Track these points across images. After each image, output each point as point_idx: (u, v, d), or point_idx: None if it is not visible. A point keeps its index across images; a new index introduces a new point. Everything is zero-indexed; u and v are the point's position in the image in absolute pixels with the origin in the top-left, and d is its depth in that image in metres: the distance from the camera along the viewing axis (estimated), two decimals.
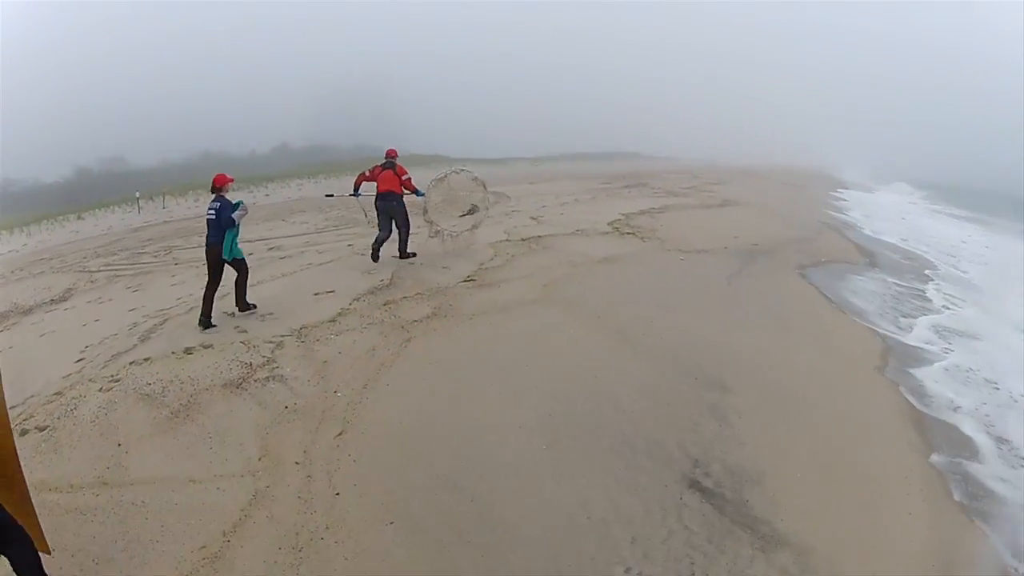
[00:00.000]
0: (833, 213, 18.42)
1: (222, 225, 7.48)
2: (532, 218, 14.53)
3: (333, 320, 7.59)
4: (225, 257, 7.56)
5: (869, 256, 12.07)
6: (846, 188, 28.62)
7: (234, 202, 7.62)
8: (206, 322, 7.51)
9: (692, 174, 29.58)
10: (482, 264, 9.96)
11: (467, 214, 11.03)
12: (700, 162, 42.69)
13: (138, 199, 33.91)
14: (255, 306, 8.08)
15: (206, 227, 7.77)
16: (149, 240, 18.65)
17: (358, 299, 8.43)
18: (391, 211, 10.07)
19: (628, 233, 12.34)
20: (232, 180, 7.82)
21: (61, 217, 32.48)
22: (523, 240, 11.68)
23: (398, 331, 7.18)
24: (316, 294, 8.84)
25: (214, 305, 7.67)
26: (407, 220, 10.35)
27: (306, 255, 12.18)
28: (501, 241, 11.60)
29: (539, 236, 11.98)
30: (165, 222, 28.23)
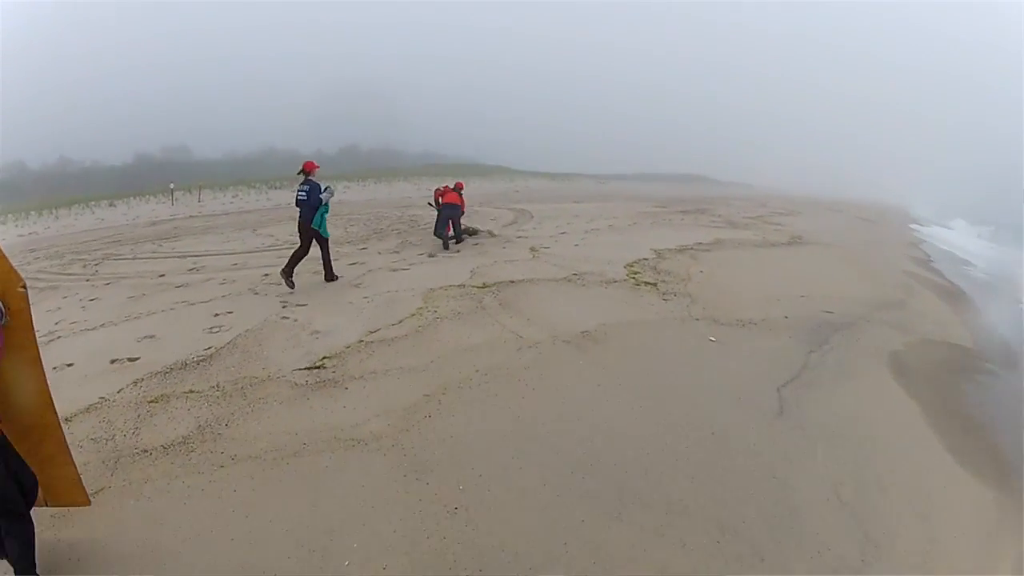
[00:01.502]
0: (917, 258, 13.85)
1: (311, 203, 8.38)
2: (531, 249, 10.83)
3: (67, 419, 4.32)
4: (314, 227, 8.48)
5: (987, 338, 7.77)
6: (920, 224, 24.57)
7: (323, 186, 8.58)
8: (288, 275, 8.40)
9: (760, 202, 25.41)
10: (375, 329, 6.36)
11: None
12: (773, 191, 39.35)
13: (172, 190, 32.49)
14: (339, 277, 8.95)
15: (297, 206, 8.59)
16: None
17: (141, 381, 5.18)
18: (452, 216, 11.81)
19: (648, 283, 8.34)
20: (318, 167, 8.73)
21: (93, 203, 31.03)
22: (483, 287, 7.93)
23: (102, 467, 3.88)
24: (114, 361, 5.80)
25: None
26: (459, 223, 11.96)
27: (207, 286, 9.26)
28: (451, 286, 7.99)
29: (512, 281, 8.20)
30: (190, 216, 26.23)
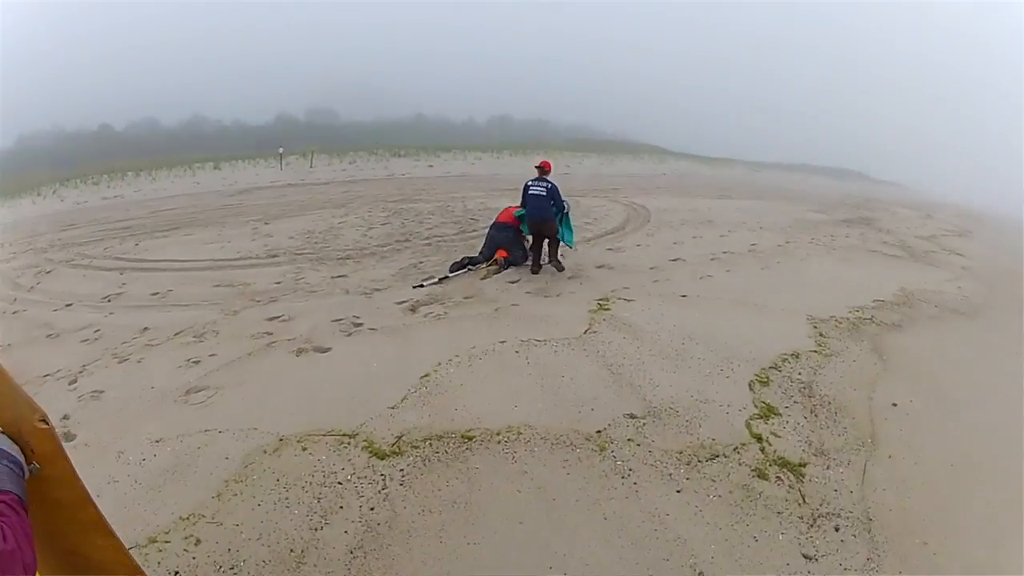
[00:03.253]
0: None
1: (551, 200, 7.85)
2: (595, 309, 6.41)
3: None
4: (560, 239, 8.09)
5: None
6: None
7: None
8: (536, 264, 8.03)
9: (925, 212, 19.44)
10: None
11: None
12: (930, 193, 33.11)
13: (280, 155, 30.92)
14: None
15: (525, 200, 8.04)
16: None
17: None
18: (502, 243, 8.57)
19: (783, 466, 3.87)
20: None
21: (197, 165, 29.47)
22: (382, 456, 3.91)
23: None
24: None
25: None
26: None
27: (130, 347, 6.15)
28: (303, 439, 4.08)
29: (451, 439, 4.06)
30: (290, 184, 24.09)
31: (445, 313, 6.44)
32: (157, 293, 8.01)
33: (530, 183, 8.01)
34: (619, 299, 6.75)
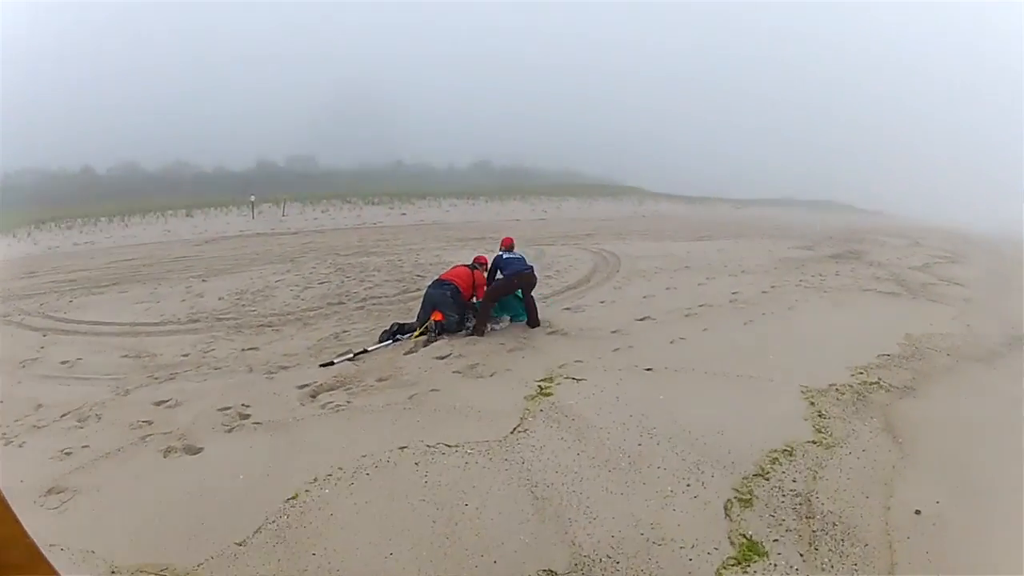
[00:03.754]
0: None
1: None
2: (534, 394, 5.15)
3: None
4: (514, 316, 7.41)
5: None
6: None
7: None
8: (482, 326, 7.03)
9: (913, 239, 18.90)
10: None
11: None
12: (912, 218, 33.04)
13: (252, 202, 29.90)
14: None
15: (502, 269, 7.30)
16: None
17: None
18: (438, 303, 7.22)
19: None
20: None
21: (170, 212, 28.68)
22: None
23: None
24: None
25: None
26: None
27: None
28: None
29: None
30: (258, 234, 23.36)
31: (348, 403, 5.15)
32: (67, 362, 7.11)
33: (503, 254, 7.51)
34: (567, 377, 5.45)
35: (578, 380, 5.37)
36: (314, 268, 13.13)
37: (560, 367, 5.75)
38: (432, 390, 5.31)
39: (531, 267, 7.43)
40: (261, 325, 8.25)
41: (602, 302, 8.72)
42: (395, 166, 58.54)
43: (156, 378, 6.26)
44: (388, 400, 5.13)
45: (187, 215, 28.69)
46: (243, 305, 9.57)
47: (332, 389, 5.52)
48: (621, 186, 47.15)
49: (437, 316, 6.95)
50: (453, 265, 7.97)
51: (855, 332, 6.98)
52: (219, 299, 10.09)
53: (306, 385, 5.63)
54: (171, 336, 8.02)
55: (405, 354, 6.44)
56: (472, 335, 6.86)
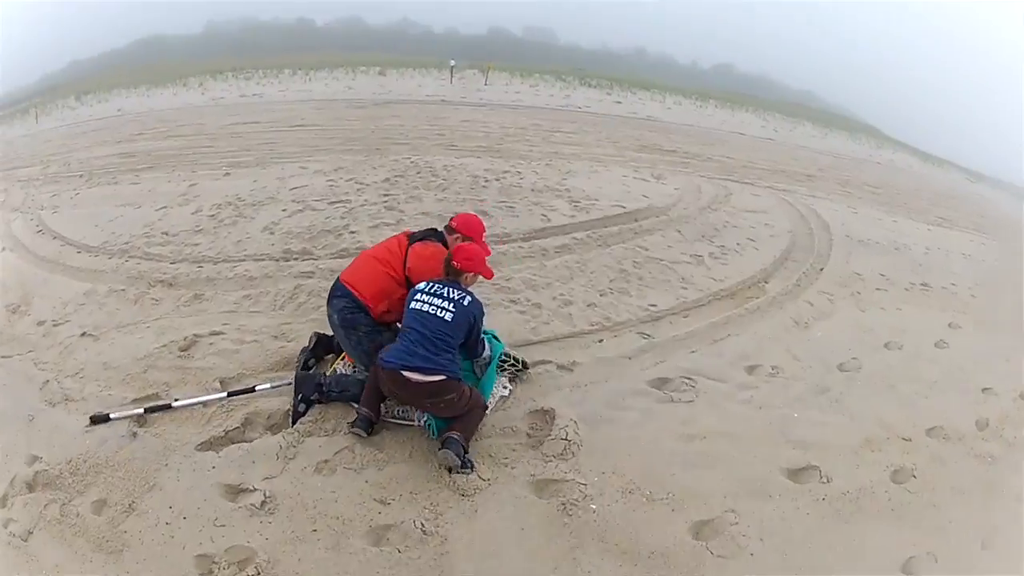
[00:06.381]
0: None
1: (460, 333, 3.30)
2: None
3: None
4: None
5: None
6: None
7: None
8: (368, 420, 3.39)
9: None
10: None
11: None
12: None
13: (452, 67, 27.17)
14: None
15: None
16: None
17: None
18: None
19: None
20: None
21: (363, 69, 27.12)
22: None
23: None
24: None
25: None
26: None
27: None
28: None
29: None
30: (443, 101, 19.93)
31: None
32: None
33: (423, 289, 3.38)
34: None
35: None
36: (378, 166, 9.60)
37: None
38: None
39: (436, 354, 3.17)
40: (171, 281, 5.54)
41: (752, 369, 4.45)
42: (636, 53, 54.99)
43: None
44: None
45: (380, 73, 26.83)
46: (200, 230, 6.88)
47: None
48: (858, 122, 38.96)
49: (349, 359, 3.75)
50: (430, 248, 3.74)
51: None
52: (198, 212, 7.48)
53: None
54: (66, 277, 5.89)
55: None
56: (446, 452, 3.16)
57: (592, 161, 11.28)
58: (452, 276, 3.35)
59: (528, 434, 3.45)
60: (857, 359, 4.71)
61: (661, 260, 6.32)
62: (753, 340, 4.79)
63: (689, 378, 4.09)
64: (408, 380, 3.08)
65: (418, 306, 3.24)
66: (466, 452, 3.15)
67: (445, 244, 3.68)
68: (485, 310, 3.43)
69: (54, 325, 4.80)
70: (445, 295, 3.25)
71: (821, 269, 6.82)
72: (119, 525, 2.81)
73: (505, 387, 3.75)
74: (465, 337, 3.27)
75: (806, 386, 4.24)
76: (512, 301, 5.04)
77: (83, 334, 4.57)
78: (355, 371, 3.69)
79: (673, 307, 5.24)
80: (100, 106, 21.94)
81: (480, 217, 3.89)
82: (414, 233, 3.76)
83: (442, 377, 3.09)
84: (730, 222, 8.20)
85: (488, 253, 3.66)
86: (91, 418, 3.45)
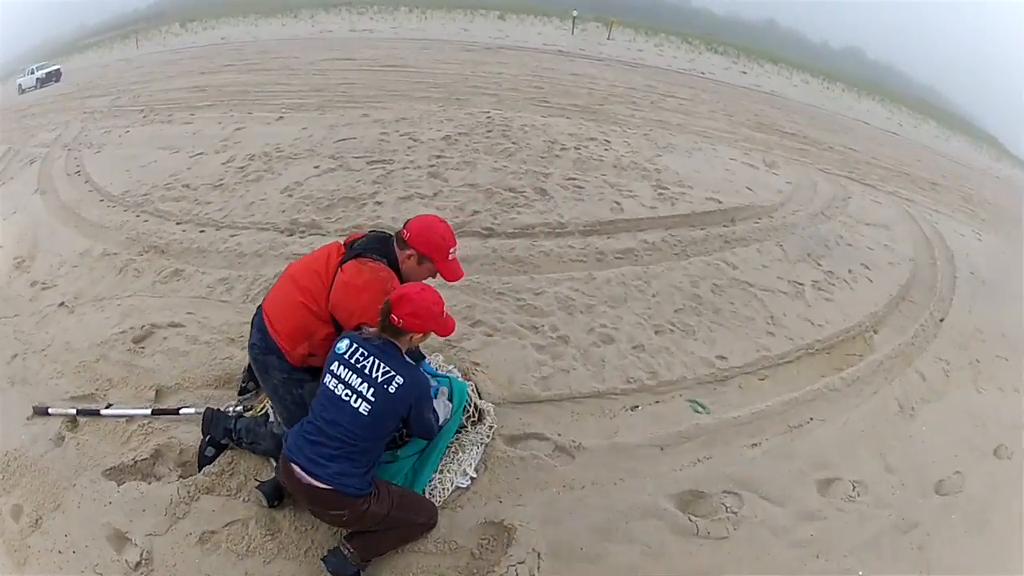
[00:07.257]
0: None
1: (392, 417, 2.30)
2: None
3: None
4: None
5: None
6: None
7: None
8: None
9: None
10: None
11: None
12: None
13: (575, 17, 26.48)
14: None
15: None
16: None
17: None
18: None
19: None
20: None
21: (482, 11, 26.76)
22: None
23: None
24: None
25: None
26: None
27: None
28: None
29: None
30: (560, 52, 19.21)
31: None
32: None
33: (342, 352, 2.31)
34: None
35: None
36: (462, 119, 8.62)
37: None
38: None
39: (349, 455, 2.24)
40: (167, 246, 5.19)
41: (827, 486, 3.21)
42: (767, 24, 55.20)
43: None
44: None
45: (499, 17, 26.28)
46: (233, 186, 6.33)
47: None
48: (979, 129, 37.30)
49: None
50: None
51: None
52: (245, 158, 6.98)
53: None
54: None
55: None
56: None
57: (698, 136, 9.80)
58: (389, 333, 2.30)
59: (473, 554, 2.54)
60: (961, 474, 3.40)
61: (750, 286, 5.00)
62: (841, 434, 3.51)
63: (735, 494, 2.94)
64: (294, 475, 2.23)
65: (330, 383, 2.26)
66: (358, 574, 2.34)
67: (394, 263, 2.60)
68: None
69: (43, 288, 4.59)
70: (367, 372, 2.21)
71: (941, 320, 5.29)
72: (27, 537, 2.60)
73: (466, 474, 2.78)
74: (395, 427, 2.33)
75: (890, 519, 3.02)
76: (532, 328, 3.92)
77: (61, 303, 4.33)
78: (272, 422, 2.90)
79: (750, 363, 3.93)
80: (205, 33, 22.36)
81: (447, 223, 2.66)
82: (353, 242, 2.68)
83: (327, 487, 2.20)
84: (845, 237, 6.70)
85: (458, 276, 2.65)
86: (34, 408, 3.26)
